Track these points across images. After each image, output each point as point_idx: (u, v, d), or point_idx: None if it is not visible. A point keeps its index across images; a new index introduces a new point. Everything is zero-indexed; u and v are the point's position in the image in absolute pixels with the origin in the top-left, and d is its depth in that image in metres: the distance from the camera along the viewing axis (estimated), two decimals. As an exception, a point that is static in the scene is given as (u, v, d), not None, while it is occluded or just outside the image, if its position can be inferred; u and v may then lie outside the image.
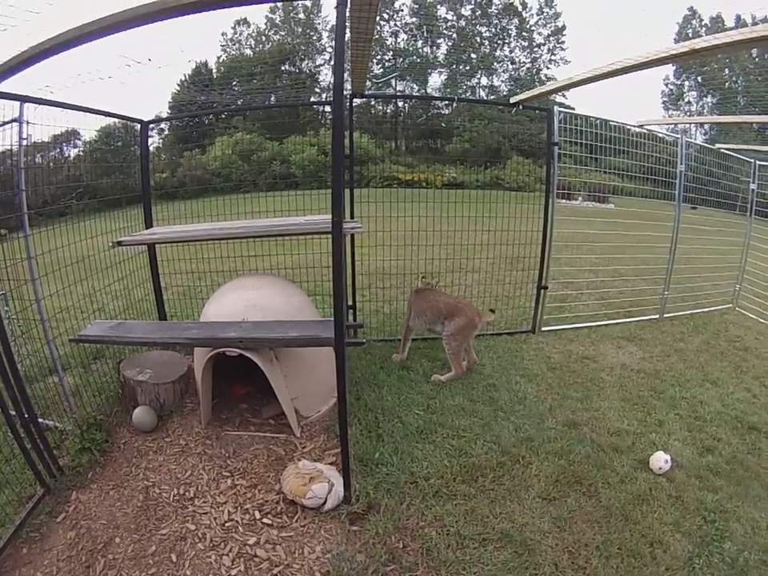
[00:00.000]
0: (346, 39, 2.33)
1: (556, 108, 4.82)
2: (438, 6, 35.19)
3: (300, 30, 34.62)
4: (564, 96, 26.09)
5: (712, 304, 6.76)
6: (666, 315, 6.07)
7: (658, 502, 2.75)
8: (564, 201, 6.42)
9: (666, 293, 5.99)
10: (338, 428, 2.89)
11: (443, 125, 30.06)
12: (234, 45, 36.17)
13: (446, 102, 34.39)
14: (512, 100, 4.90)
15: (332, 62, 2.40)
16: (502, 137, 25.70)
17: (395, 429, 3.17)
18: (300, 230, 3.33)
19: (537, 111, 5.54)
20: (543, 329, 5.23)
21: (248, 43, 36.15)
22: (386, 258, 4.88)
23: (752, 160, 6.58)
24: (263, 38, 35.94)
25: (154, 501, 2.61)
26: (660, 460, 3.03)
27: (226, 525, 2.45)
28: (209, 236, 3.37)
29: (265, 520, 2.48)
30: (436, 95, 32.80)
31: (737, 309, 6.85)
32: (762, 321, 6.35)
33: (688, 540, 2.50)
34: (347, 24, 2.45)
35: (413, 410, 3.42)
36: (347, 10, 2.13)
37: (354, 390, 3.64)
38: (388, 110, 31.43)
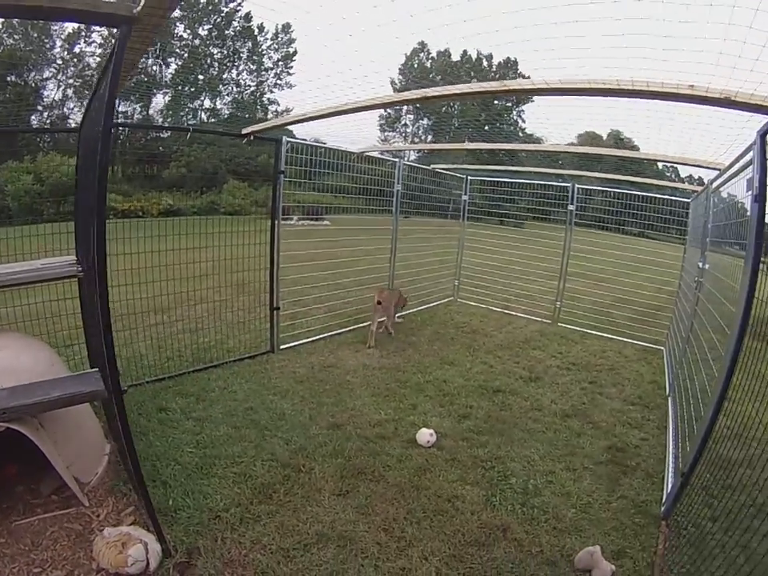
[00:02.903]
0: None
1: (285, 138, 5.02)
2: (177, 24, 32.30)
3: (36, 35, 28.19)
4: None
5: (436, 299, 8.16)
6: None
7: (438, 467, 3.34)
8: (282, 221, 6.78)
9: (390, 297, 6.87)
10: (122, 487, 2.87)
11: (162, 149, 28.09)
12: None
13: (166, 126, 32.41)
14: (244, 131, 4.98)
15: (100, 90, 2.26)
16: (220, 160, 25.25)
17: (176, 472, 3.07)
18: (37, 276, 3.00)
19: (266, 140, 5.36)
20: (282, 347, 5.40)
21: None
22: (111, 300, 4.40)
23: (464, 176, 8.33)
24: (-5, 41, 28.09)
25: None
26: (425, 435, 3.62)
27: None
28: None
29: (101, 605, 2.23)
30: (165, 123, 30.20)
31: (459, 300, 8.54)
32: (482, 306, 8.11)
33: (479, 487, 3.14)
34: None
35: (184, 449, 3.34)
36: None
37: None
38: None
